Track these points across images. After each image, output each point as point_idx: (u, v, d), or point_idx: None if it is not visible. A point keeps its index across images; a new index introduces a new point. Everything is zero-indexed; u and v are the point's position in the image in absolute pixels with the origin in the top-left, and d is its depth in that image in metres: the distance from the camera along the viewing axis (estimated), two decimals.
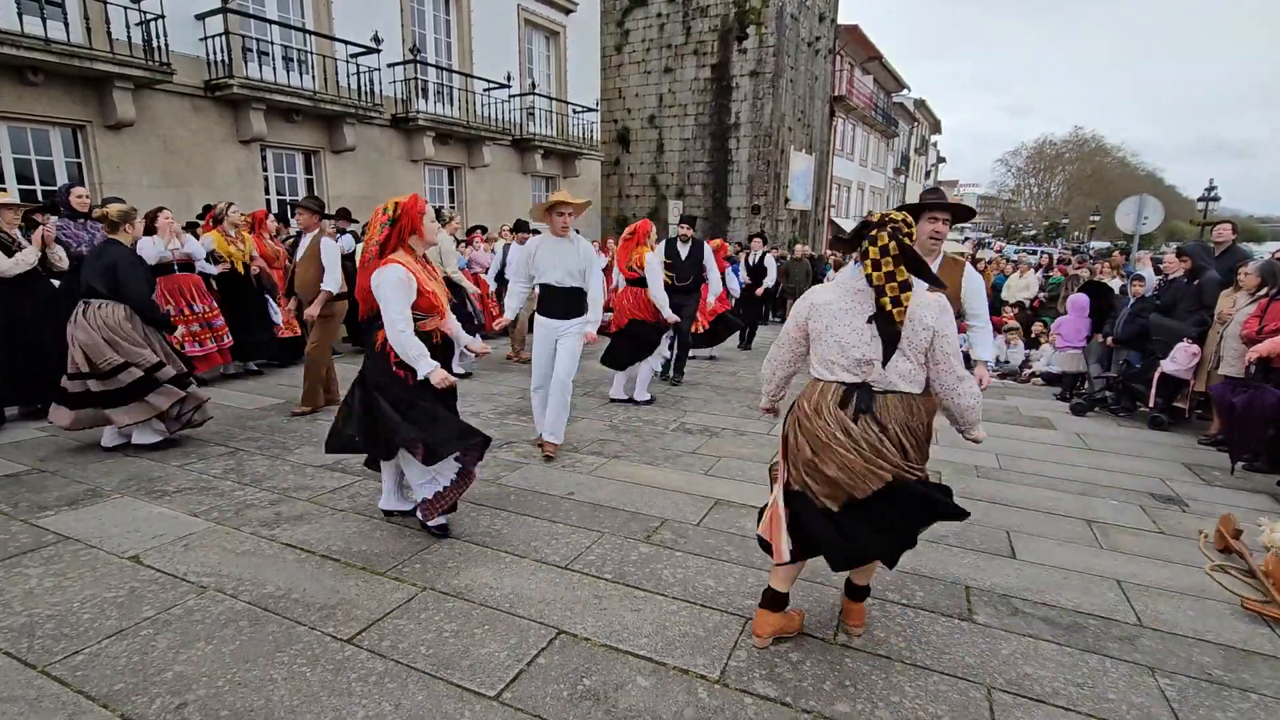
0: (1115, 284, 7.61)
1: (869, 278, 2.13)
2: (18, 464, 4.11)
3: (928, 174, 43.93)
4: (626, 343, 5.97)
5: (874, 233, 2.14)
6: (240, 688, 2.14)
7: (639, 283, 5.82)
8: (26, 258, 4.83)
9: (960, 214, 3.09)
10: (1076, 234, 46.40)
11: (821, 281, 12.93)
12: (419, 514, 3.25)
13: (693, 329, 7.34)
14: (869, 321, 2.17)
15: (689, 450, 4.78)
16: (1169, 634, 2.63)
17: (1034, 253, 20.98)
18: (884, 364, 2.17)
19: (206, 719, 2.00)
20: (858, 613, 2.55)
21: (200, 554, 3.02)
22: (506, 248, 8.21)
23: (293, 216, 5.42)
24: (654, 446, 4.83)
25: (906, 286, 2.10)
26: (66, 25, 7.66)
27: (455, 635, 2.45)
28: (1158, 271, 7.37)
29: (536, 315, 4.56)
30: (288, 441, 4.72)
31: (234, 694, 2.11)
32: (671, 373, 6.96)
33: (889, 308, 2.10)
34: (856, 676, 2.30)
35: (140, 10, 8.00)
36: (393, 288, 2.88)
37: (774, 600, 2.42)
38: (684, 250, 6.63)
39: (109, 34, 7.77)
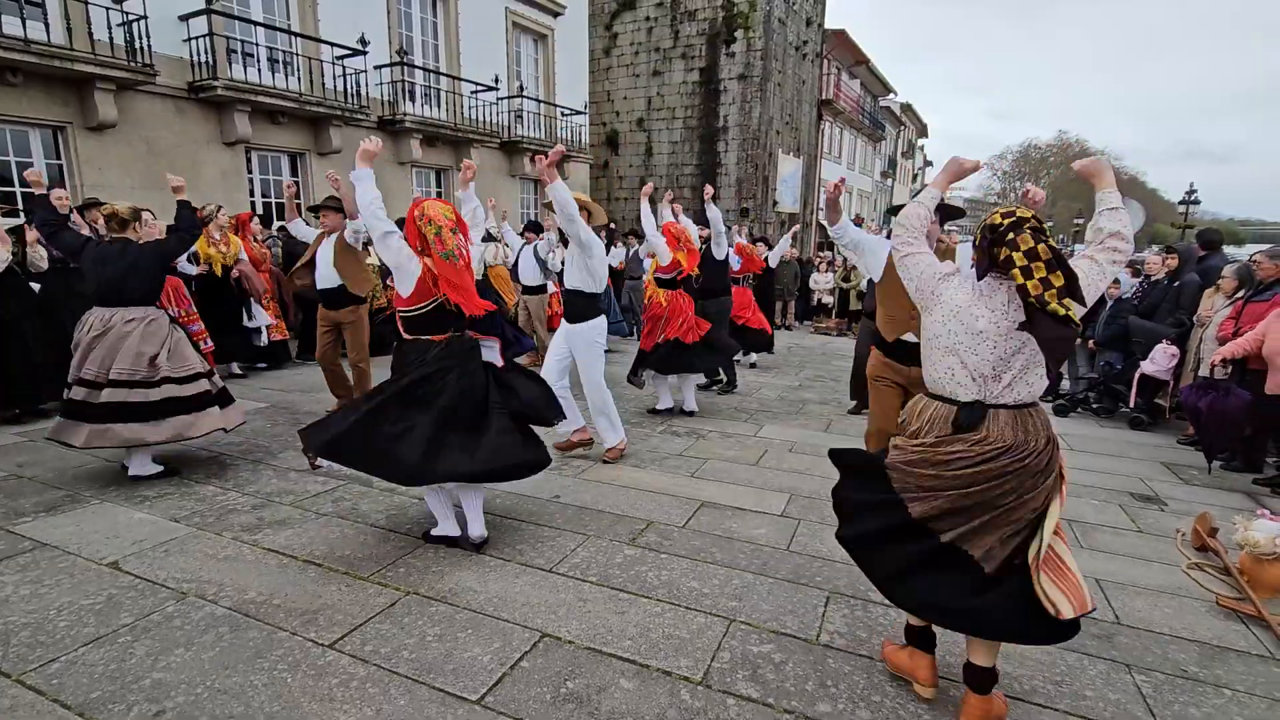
0: (1124, 277, 7.63)
1: (1022, 288, 1.84)
2: None
3: (914, 177, 44.28)
4: (656, 355, 5.64)
5: (1011, 237, 1.88)
6: (220, 694, 2.12)
7: (666, 285, 5.60)
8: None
9: (949, 213, 3.16)
10: (1061, 237, 46.96)
11: (807, 284, 13.07)
12: (470, 534, 3.20)
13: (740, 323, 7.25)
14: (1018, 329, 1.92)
15: (675, 453, 4.79)
16: (1145, 631, 2.67)
17: None
18: (1048, 374, 1.99)
19: None
20: (978, 709, 2.04)
21: (180, 559, 2.99)
22: (521, 249, 8.17)
23: (317, 217, 5.31)
24: (640, 449, 4.83)
25: (1066, 293, 1.83)
26: (47, 25, 7.57)
27: (438, 639, 2.45)
28: (1135, 274, 7.43)
29: None
30: (271, 446, 4.68)
31: (214, 701, 2.09)
32: (722, 380, 6.83)
33: (1061, 311, 1.79)
34: (838, 677, 2.32)
35: (122, 11, 7.92)
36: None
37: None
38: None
39: (90, 34, 7.68)
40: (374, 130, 11.56)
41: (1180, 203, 23.67)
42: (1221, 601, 2.87)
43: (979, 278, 2.05)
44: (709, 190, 6.00)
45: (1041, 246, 1.85)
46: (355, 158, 3.10)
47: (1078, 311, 1.84)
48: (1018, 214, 1.94)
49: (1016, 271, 1.86)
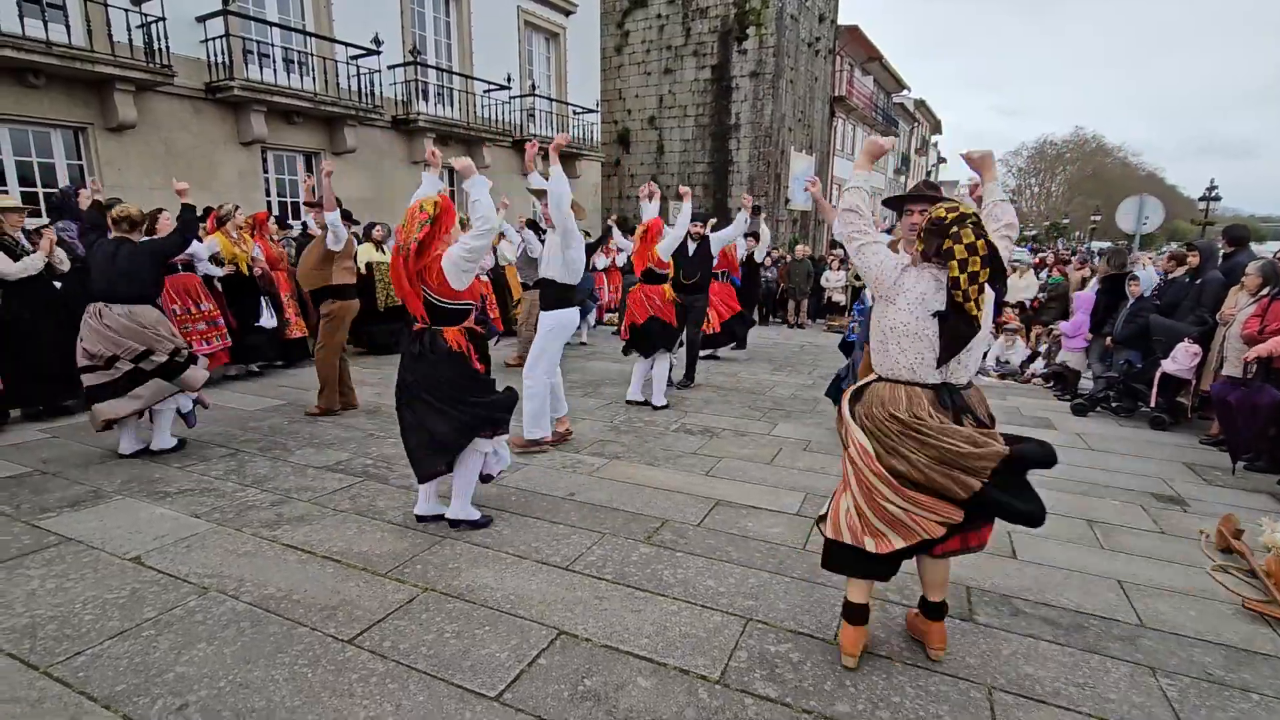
0: (1146, 273, 7.52)
1: (955, 280, 2.00)
2: (20, 465, 4.12)
3: (928, 174, 43.91)
4: (645, 335, 5.88)
5: (956, 229, 2.00)
6: (242, 688, 2.14)
7: (651, 279, 5.80)
8: (33, 263, 4.87)
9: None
10: (1078, 234, 46.39)
11: (820, 282, 13.01)
12: (449, 515, 3.36)
13: (704, 329, 7.31)
14: (933, 316, 2.10)
15: (690, 451, 4.78)
16: (1170, 634, 2.63)
17: (1036, 251, 20.84)
18: (938, 364, 2.13)
19: None
20: (939, 633, 2.40)
21: (202, 555, 3.03)
22: (522, 246, 8.19)
23: (309, 215, 5.43)
24: (654, 447, 4.83)
25: (982, 290, 2.01)
26: (68, 28, 7.67)
27: (456, 636, 2.46)
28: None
29: None
30: (289, 443, 4.72)
31: (235, 695, 2.11)
32: (681, 376, 6.91)
33: (974, 311, 2.00)
34: (857, 677, 2.30)
35: (141, 13, 8.01)
36: (461, 252, 3.09)
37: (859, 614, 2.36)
38: (691, 247, 6.56)
39: (110, 36, 7.79)
40: (387, 129, 11.64)
41: (1201, 199, 23.26)
42: (1248, 604, 2.82)
43: (914, 263, 2.18)
44: (747, 199, 6.41)
45: (981, 242, 2.00)
46: (459, 170, 3.25)
47: (987, 314, 2.09)
48: (961, 209, 2.06)
49: (954, 264, 2.00)
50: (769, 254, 12.33)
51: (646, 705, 2.13)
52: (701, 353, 8.17)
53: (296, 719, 2.02)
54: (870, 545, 2.21)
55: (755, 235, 9.26)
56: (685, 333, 6.63)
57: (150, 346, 4.18)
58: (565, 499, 3.81)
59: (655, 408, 5.94)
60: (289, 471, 4.15)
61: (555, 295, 4.58)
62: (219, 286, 6.38)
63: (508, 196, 8.44)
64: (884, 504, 2.18)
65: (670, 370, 6.19)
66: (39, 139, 7.94)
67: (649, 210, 5.92)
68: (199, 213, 5.35)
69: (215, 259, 6.28)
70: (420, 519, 3.40)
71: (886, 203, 2.88)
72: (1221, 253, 6.33)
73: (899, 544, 2.18)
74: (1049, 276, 10.80)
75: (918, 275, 2.15)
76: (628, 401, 6.07)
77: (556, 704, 2.12)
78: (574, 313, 4.67)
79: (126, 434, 4.31)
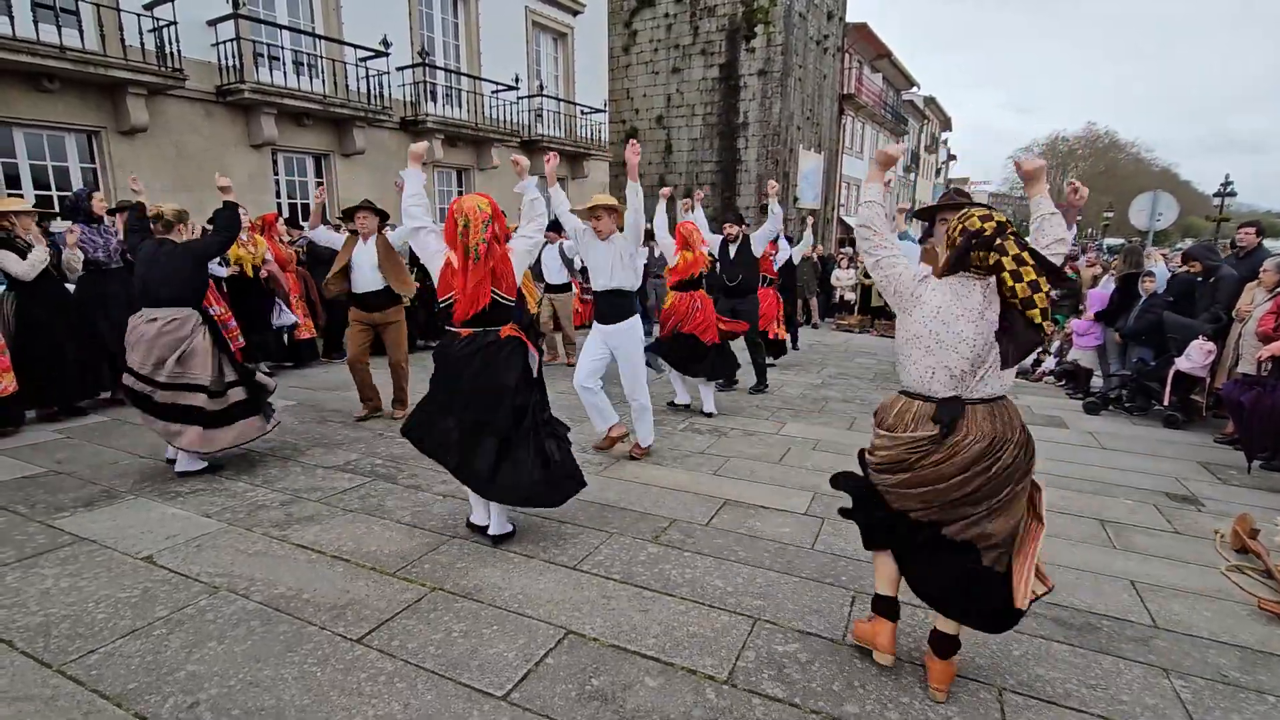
0: (1160, 268, 7.44)
1: (1012, 290, 1.91)
2: (35, 465, 4.17)
3: (938, 172, 43.65)
4: (674, 351, 5.65)
5: (999, 242, 1.93)
6: (251, 687, 2.16)
7: (684, 286, 5.51)
8: (38, 255, 4.86)
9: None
10: (1090, 230, 45.94)
11: (829, 281, 12.94)
12: (493, 531, 3.24)
13: (769, 334, 7.12)
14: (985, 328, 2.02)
15: (698, 450, 4.78)
16: (1184, 635, 2.60)
17: None
18: (1003, 367, 2.05)
19: (218, 718, 2.02)
20: (940, 673, 2.20)
21: (213, 554, 3.05)
22: (543, 248, 8.19)
23: (353, 219, 5.24)
24: (662, 446, 4.82)
25: (1047, 296, 1.93)
26: (81, 32, 7.77)
27: (464, 635, 2.46)
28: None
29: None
30: (299, 444, 4.75)
31: (245, 693, 2.13)
32: (756, 382, 6.74)
33: (1039, 320, 1.91)
34: (866, 677, 2.29)
35: (153, 17, 8.10)
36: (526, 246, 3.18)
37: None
38: (733, 250, 6.35)
39: (122, 41, 7.87)
40: (395, 130, 11.71)
41: (1215, 195, 22.96)
42: (1263, 605, 2.78)
43: (939, 275, 2.11)
44: (773, 186, 5.95)
45: (1026, 253, 1.93)
46: (408, 157, 3.29)
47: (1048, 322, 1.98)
48: (997, 218, 2.00)
49: (1006, 275, 1.93)
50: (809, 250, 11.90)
51: (654, 705, 2.12)
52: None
53: (306, 717, 2.03)
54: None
55: (789, 237, 9.08)
56: (747, 337, 6.40)
57: (188, 380, 3.90)
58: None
59: (706, 415, 5.73)
60: (299, 471, 4.18)
61: (627, 304, 4.38)
62: (224, 288, 6.43)
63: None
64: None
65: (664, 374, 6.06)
66: (53, 143, 8.04)
67: (689, 218, 5.70)
68: (210, 216, 5.39)
69: (223, 260, 6.33)
70: (495, 540, 3.23)
71: (919, 214, 2.82)
72: (1240, 255, 6.16)
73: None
74: None
75: (937, 287, 2.10)
76: (670, 405, 5.88)
77: (564, 704, 2.12)
78: (639, 319, 4.50)
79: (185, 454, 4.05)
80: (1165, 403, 5.86)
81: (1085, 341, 7.22)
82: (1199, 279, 6.08)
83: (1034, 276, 1.91)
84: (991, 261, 1.95)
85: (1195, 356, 5.60)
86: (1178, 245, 24.68)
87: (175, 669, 2.24)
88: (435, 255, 3.10)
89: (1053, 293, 1.96)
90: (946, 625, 2.19)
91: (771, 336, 7.47)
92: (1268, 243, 6.70)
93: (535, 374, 3.19)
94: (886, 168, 2.36)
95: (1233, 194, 22.20)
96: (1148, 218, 12.32)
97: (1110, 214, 39.37)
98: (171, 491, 3.80)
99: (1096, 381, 7.06)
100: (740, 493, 3.96)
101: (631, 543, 3.26)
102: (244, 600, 2.67)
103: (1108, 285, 7.31)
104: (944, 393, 2.07)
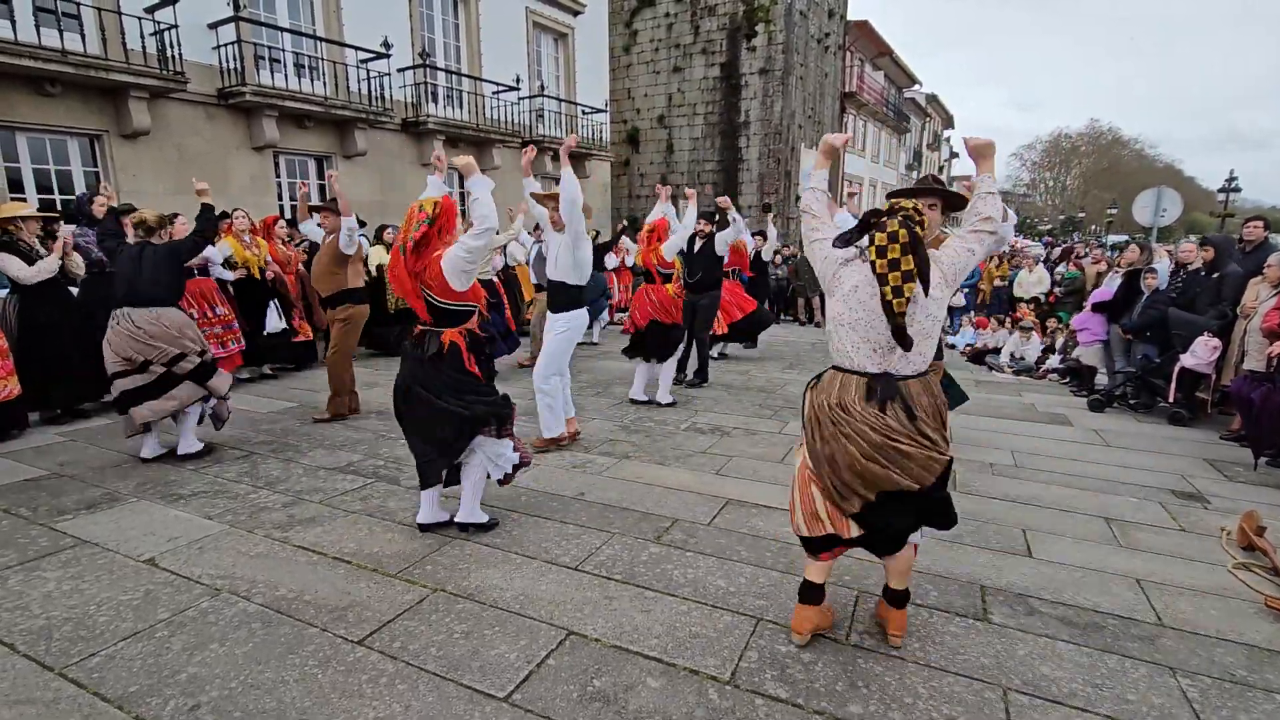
0: (1162, 264, 7.41)
1: (871, 264, 2.08)
2: (38, 468, 4.18)
3: (941, 169, 43.53)
4: (647, 340, 5.89)
5: (883, 219, 2.09)
6: (253, 689, 2.15)
7: (655, 278, 5.78)
8: (48, 265, 4.93)
9: (954, 202, 3.02)
10: (1094, 227, 45.77)
11: None
12: (458, 519, 3.34)
13: (714, 330, 7.25)
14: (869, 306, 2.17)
15: (700, 450, 4.76)
16: (1190, 633, 2.58)
17: (1052, 246, 20.47)
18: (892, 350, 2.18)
19: None
20: (897, 620, 2.46)
21: (214, 556, 3.05)
22: (534, 247, 8.21)
23: (318, 216, 5.44)
24: (665, 446, 4.81)
25: (910, 278, 2.04)
26: (83, 36, 7.79)
27: (465, 637, 2.46)
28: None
29: None
30: (301, 445, 4.76)
31: (247, 695, 2.12)
32: (691, 374, 6.87)
33: (889, 297, 2.05)
34: (869, 677, 2.28)
35: (154, 20, 8.12)
36: (460, 252, 3.03)
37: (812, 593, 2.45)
38: (696, 245, 6.45)
39: (124, 44, 7.90)
40: (397, 131, 11.72)
41: (1220, 190, 22.82)
42: (1270, 602, 2.76)
43: (839, 245, 2.25)
44: (724, 200, 6.11)
45: (903, 231, 2.04)
46: (460, 169, 3.21)
47: (930, 308, 2.14)
48: (900, 204, 2.13)
49: (872, 249, 2.08)
50: (777, 252, 12.29)
51: (656, 706, 2.11)
52: (711, 351, 8.13)
53: (307, 719, 2.03)
54: (804, 530, 2.38)
55: (763, 234, 9.22)
56: (695, 332, 6.60)
57: (181, 350, 4.21)
58: (575, 499, 3.80)
59: (660, 405, 5.93)
60: (301, 473, 4.18)
61: (568, 297, 4.58)
62: (230, 290, 6.44)
63: (524, 201, 8.45)
64: (810, 493, 2.35)
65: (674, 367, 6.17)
66: (56, 147, 8.07)
67: (657, 210, 5.90)
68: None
69: (229, 263, 6.34)
70: (423, 528, 3.31)
71: (891, 196, 2.85)
72: (1246, 250, 6.15)
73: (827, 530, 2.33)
74: (1066, 271, 10.67)
75: (854, 268, 2.23)
76: (631, 400, 6.06)
77: (566, 705, 2.11)
78: (584, 313, 4.69)
79: (149, 439, 4.32)
80: (1170, 400, 5.83)
81: (1085, 335, 7.20)
82: (1201, 272, 6.04)
83: (896, 255, 2.02)
84: (870, 236, 2.11)
85: (1200, 353, 5.56)
86: (1181, 241, 24.47)
87: (177, 671, 2.24)
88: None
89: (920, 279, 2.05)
90: (896, 581, 2.43)
91: (727, 324, 7.63)
92: (1273, 238, 6.67)
93: (478, 373, 3.18)
94: (830, 156, 2.47)
95: (1237, 190, 22.08)
96: (1151, 214, 12.26)
97: (1114, 210, 39.18)
98: (174, 494, 3.80)
99: (1101, 379, 7.02)
100: (743, 492, 3.95)
101: (633, 543, 3.25)
102: (245, 602, 2.66)
103: (1113, 281, 7.26)
104: (873, 367, 2.19)
